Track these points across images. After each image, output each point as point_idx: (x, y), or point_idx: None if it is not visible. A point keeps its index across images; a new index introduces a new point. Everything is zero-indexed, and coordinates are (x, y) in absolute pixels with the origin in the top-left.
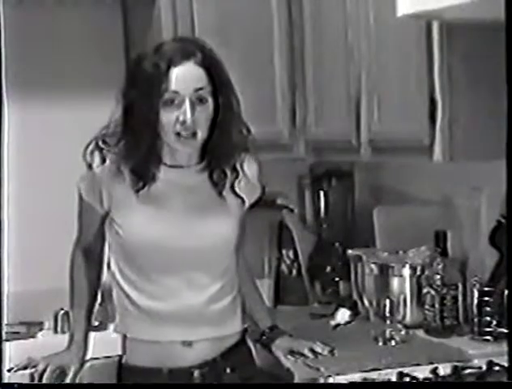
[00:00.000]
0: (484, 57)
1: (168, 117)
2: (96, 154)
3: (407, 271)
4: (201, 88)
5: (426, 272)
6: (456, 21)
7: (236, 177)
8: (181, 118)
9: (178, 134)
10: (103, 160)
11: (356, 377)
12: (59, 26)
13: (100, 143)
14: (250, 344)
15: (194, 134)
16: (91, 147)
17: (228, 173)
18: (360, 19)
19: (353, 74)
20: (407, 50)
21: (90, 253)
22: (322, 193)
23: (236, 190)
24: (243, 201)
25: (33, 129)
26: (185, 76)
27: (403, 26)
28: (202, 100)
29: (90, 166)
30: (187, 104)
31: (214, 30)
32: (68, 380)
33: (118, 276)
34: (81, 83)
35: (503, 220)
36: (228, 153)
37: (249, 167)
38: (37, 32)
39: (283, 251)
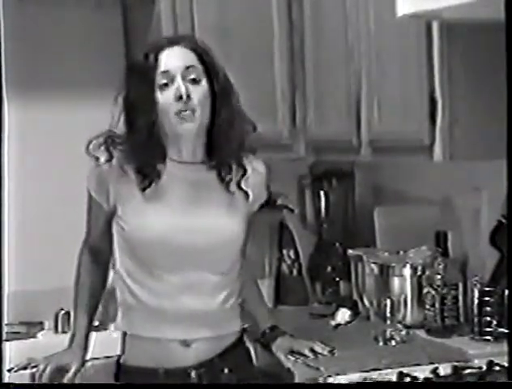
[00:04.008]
0: (484, 57)
1: (164, 99)
2: (103, 150)
3: (407, 271)
4: (191, 66)
5: (427, 272)
6: (456, 21)
7: (244, 173)
8: (176, 94)
9: (177, 113)
10: (110, 157)
11: (356, 377)
12: (59, 26)
13: (109, 140)
14: (249, 344)
15: (194, 112)
16: (97, 142)
17: (235, 169)
18: (360, 19)
19: (353, 75)
20: (407, 50)
21: (97, 253)
22: (322, 193)
23: (243, 185)
24: (248, 197)
25: (33, 129)
26: (173, 56)
27: (403, 26)
28: (194, 80)
29: (97, 160)
30: (179, 79)
31: (214, 30)
32: (68, 380)
33: (123, 273)
34: (81, 83)
35: (504, 220)
36: (232, 147)
37: (259, 168)
38: (37, 32)
39: (284, 251)
